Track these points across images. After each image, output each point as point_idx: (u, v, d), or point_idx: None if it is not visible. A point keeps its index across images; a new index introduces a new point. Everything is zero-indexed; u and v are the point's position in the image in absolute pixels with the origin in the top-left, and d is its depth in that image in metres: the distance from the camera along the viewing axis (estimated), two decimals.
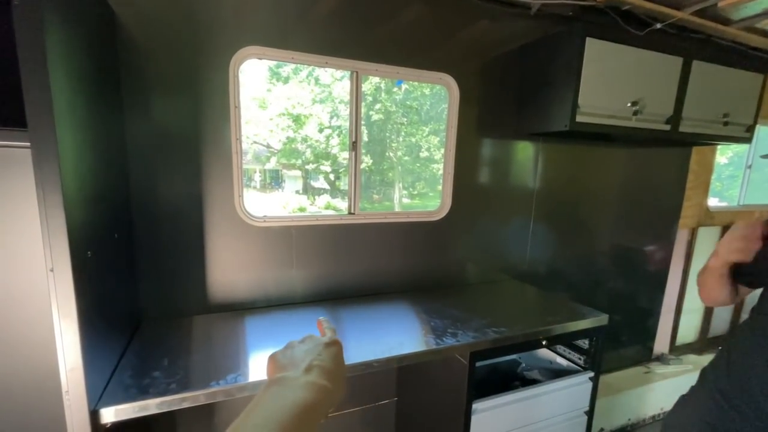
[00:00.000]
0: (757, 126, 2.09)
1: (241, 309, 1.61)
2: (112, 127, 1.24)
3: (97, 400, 0.95)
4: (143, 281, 1.44)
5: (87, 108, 1.00)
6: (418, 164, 9.40)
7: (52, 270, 0.81)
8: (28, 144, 0.77)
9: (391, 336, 1.41)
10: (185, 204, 1.47)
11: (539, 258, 2.21)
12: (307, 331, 0.57)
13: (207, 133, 1.45)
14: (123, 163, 1.33)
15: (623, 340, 2.68)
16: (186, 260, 1.50)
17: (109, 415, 0.94)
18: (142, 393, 1.00)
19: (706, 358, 2.90)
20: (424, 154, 9.08)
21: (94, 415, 0.92)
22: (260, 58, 1.47)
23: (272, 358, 0.47)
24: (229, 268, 1.57)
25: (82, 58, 0.97)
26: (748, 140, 2.07)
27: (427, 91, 8.23)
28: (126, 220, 1.35)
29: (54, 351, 0.84)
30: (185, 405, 1.01)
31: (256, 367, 1.18)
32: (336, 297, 1.78)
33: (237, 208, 1.54)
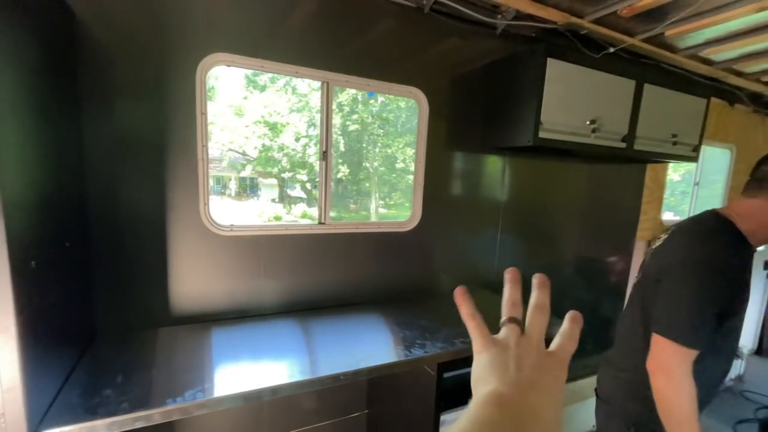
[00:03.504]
0: (702, 146, 2.25)
1: (208, 321, 1.55)
2: (67, 130, 1.18)
3: (38, 422, 0.88)
4: (100, 292, 1.37)
5: (35, 108, 0.95)
6: (394, 175, 9.50)
7: None
8: None
9: (360, 347, 1.40)
10: (147, 212, 1.41)
11: (507, 268, 2.27)
12: (279, 344, 0.40)
13: (172, 139, 1.41)
14: (78, 168, 1.27)
15: (587, 348, 2.77)
16: (147, 270, 1.44)
17: None
18: (90, 413, 0.93)
19: None
20: (399, 165, 9.19)
21: None
22: (229, 65, 1.46)
23: (483, 349, 0.36)
24: (195, 279, 1.52)
25: (30, 59, 0.93)
26: (694, 159, 2.23)
27: (402, 104, 8.37)
28: (80, 228, 1.28)
29: None
30: (138, 425, 0.96)
31: (220, 381, 1.14)
32: (307, 308, 1.75)
33: (202, 217, 1.49)
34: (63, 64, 1.16)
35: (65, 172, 1.16)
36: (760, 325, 4.10)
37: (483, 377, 0.35)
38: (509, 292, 0.40)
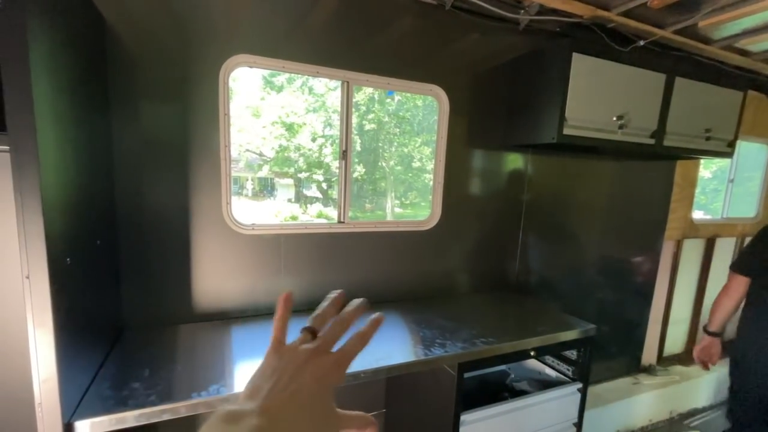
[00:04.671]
0: (738, 141, 2.15)
1: (228, 318, 1.58)
2: (98, 132, 1.22)
3: (72, 412, 0.92)
4: (127, 289, 1.41)
5: (71, 112, 0.99)
6: (410, 174, 9.46)
7: (27, 277, 0.79)
8: (7, 147, 0.75)
9: (379, 346, 1.40)
10: (172, 211, 1.45)
11: (528, 268, 2.22)
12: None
13: (196, 140, 1.44)
14: (108, 169, 1.31)
15: (612, 351, 2.69)
16: (172, 268, 1.48)
17: (84, 428, 0.91)
18: (120, 405, 0.96)
19: (693, 370, 2.93)
20: (416, 164, 9.15)
21: (68, 428, 0.88)
22: (251, 67, 1.47)
23: (266, 355, 0.36)
24: (217, 277, 1.55)
25: (67, 62, 0.96)
26: (729, 155, 2.12)
27: (419, 103, 8.33)
28: (110, 227, 1.32)
29: (28, 361, 0.81)
30: (165, 417, 0.98)
31: (241, 377, 1.15)
32: None
33: (225, 216, 1.52)
34: (95, 68, 1.20)
35: (97, 174, 1.20)
36: None
37: (246, 386, 0.33)
38: (320, 307, 0.40)
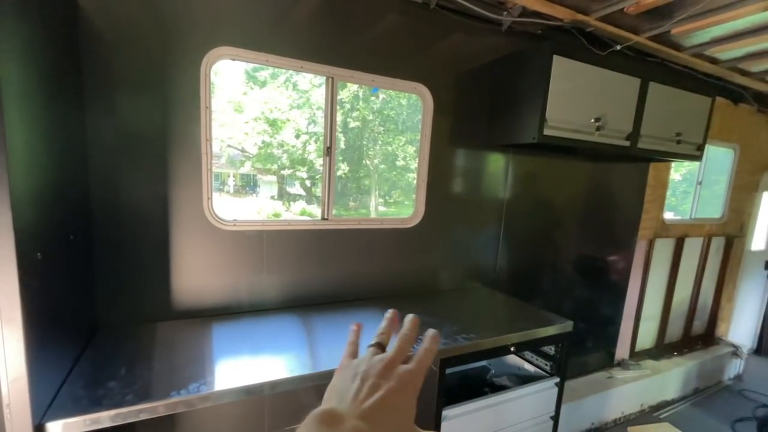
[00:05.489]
0: (707, 145, 2.25)
1: (209, 315, 1.55)
2: (72, 124, 1.18)
3: (42, 413, 0.88)
4: (103, 285, 1.37)
5: (42, 102, 0.95)
6: (394, 173, 9.47)
7: None
8: None
9: (363, 343, 1.40)
10: (151, 206, 1.41)
11: (508, 266, 2.27)
12: (280, 339, 0.44)
13: (176, 133, 1.41)
14: (83, 162, 1.27)
15: (588, 346, 2.78)
16: (150, 264, 1.44)
17: (56, 429, 0.88)
18: (95, 405, 0.94)
19: (663, 364, 3.06)
20: (400, 162, 9.17)
21: (39, 430, 0.85)
22: (234, 59, 1.45)
23: (341, 365, 0.38)
24: (197, 273, 1.52)
25: (37, 50, 0.92)
26: (698, 158, 2.22)
27: (404, 102, 8.35)
28: (85, 222, 1.28)
29: None
30: (143, 417, 0.96)
31: (223, 375, 1.14)
32: (309, 303, 1.75)
33: (206, 212, 1.49)
34: (69, 57, 1.15)
35: (70, 166, 1.16)
36: (760, 324, 4.11)
37: (328, 395, 0.37)
38: (381, 326, 0.44)
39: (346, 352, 0.42)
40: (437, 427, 1.42)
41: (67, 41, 1.14)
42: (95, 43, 1.25)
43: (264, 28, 1.47)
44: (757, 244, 3.86)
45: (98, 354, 1.20)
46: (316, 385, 1.20)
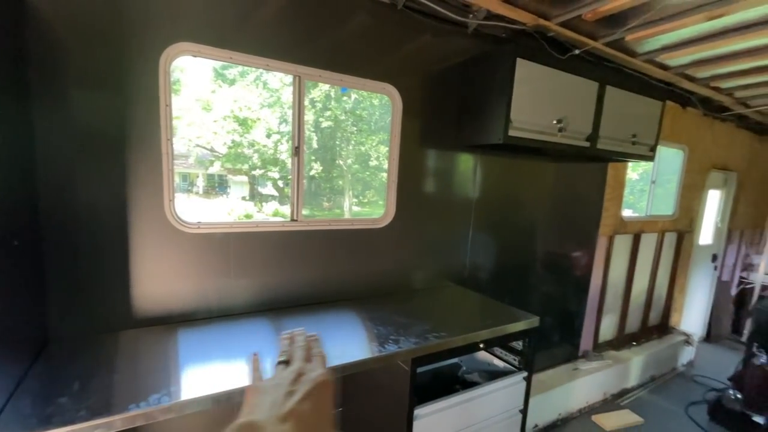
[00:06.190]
0: (659, 146, 2.40)
1: (176, 322, 1.49)
2: (15, 122, 1.10)
3: None
4: (54, 294, 1.28)
5: None
6: (367, 173, 9.47)
7: None
8: None
9: (334, 345, 1.39)
10: (108, 209, 1.34)
11: (478, 264, 2.32)
12: (251, 344, 0.52)
13: (134, 132, 1.34)
14: (29, 162, 1.18)
15: (555, 340, 2.89)
16: (108, 271, 1.36)
17: None
18: (44, 423, 0.87)
19: (623, 354, 3.23)
20: (373, 162, 9.18)
21: None
22: (195, 56, 1.40)
23: (251, 387, 0.41)
24: (160, 279, 1.46)
25: None
26: (651, 158, 2.36)
27: (376, 102, 8.36)
28: (31, 226, 1.19)
29: None
30: None
31: (189, 383, 1.09)
32: (280, 306, 1.71)
33: (167, 214, 1.43)
34: (12, 50, 1.07)
35: (13, 167, 1.08)
36: (708, 313, 4.42)
37: (244, 412, 0.39)
38: (281, 346, 0.49)
39: (251, 379, 0.46)
40: (409, 426, 1.43)
41: (6, 31, 1.06)
42: (42, 35, 1.17)
43: (228, 24, 1.43)
44: (704, 238, 4.15)
45: (49, 369, 1.13)
46: None
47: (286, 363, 0.45)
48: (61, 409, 0.93)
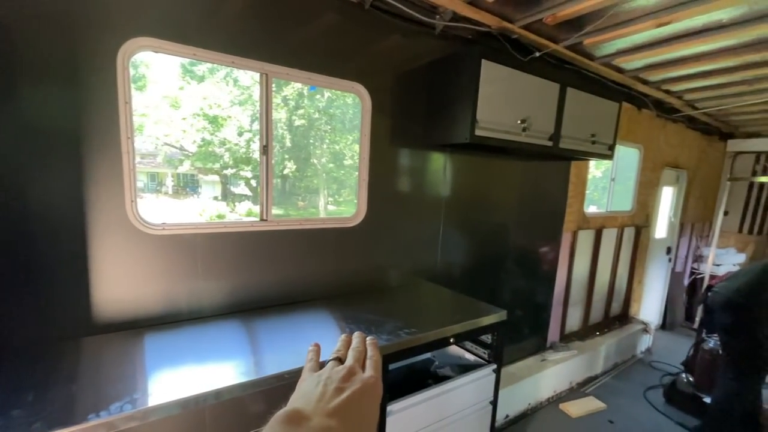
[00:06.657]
0: (617, 145, 2.53)
1: (142, 326, 1.45)
2: None
3: None
4: (6, 302, 1.21)
5: None
6: (342, 171, 9.43)
7: None
8: None
9: (307, 345, 1.38)
10: (64, 210, 1.28)
11: (449, 261, 2.37)
12: (214, 347, 0.51)
13: (92, 130, 1.28)
14: None
15: (524, 332, 3.00)
16: (66, 275, 1.30)
17: None
18: None
19: (588, 344, 3.39)
20: (348, 161, 9.15)
21: None
22: (156, 52, 1.35)
23: (306, 374, 0.43)
24: (123, 282, 1.40)
25: None
26: (610, 157, 2.49)
27: (349, 101, 8.34)
28: None
29: None
30: None
31: (156, 389, 1.06)
32: (251, 308, 1.69)
33: (129, 215, 1.38)
34: None
35: None
36: (664, 303, 4.71)
37: (292, 399, 0.41)
38: (337, 345, 0.51)
39: (306, 367, 0.47)
40: (382, 422, 1.45)
41: None
42: None
43: (191, 20, 1.39)
44: (659, 232, 4.42)
45: (0, 380, 1.07)
46: (262, 390, 1.17)
47: (340, 360, 0.46)
48: (14, 423, 0.89)
